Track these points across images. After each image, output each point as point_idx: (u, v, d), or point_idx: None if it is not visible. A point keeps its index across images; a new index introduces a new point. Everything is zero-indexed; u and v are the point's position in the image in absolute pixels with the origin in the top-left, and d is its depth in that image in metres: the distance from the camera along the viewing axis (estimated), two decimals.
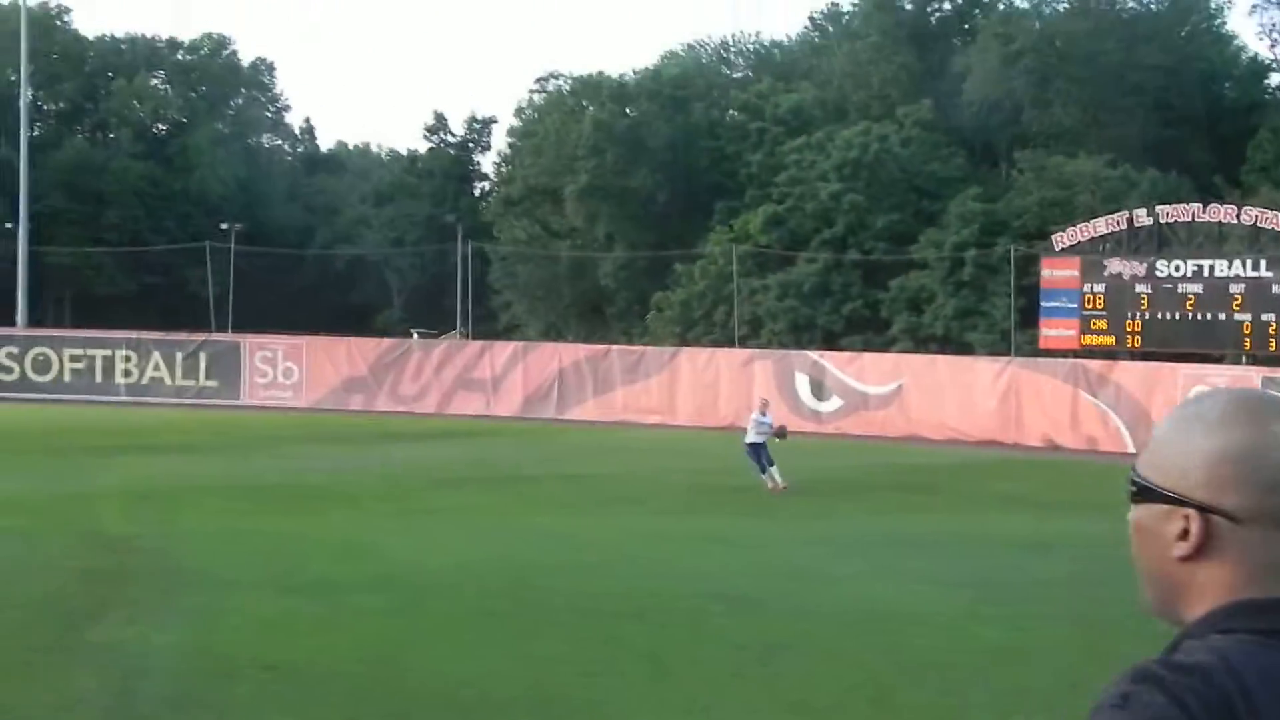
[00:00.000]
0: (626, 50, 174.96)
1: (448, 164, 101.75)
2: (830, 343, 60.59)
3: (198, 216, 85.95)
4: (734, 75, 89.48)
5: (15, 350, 52.34)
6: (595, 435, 41.10)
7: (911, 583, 17.27)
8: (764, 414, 28.00)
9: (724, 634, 14.07)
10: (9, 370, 51.79)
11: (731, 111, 76.55)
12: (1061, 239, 45.86)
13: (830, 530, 22.10)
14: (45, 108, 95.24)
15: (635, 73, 79.64)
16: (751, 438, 27.50)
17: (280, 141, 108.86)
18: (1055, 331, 45.46)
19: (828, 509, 25.09)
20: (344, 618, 14.66)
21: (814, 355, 46.49)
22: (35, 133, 78.78)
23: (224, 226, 75.48)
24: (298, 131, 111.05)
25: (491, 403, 48.15)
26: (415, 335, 64.10)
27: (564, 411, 46.87)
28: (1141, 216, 44.57)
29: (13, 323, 61.52)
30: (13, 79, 79.16)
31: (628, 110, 75.15)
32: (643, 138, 73.23)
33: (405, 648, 13.31)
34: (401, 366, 49.87)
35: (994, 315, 60.50)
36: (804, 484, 28.35)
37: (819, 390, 43.78)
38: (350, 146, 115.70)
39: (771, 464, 26.92)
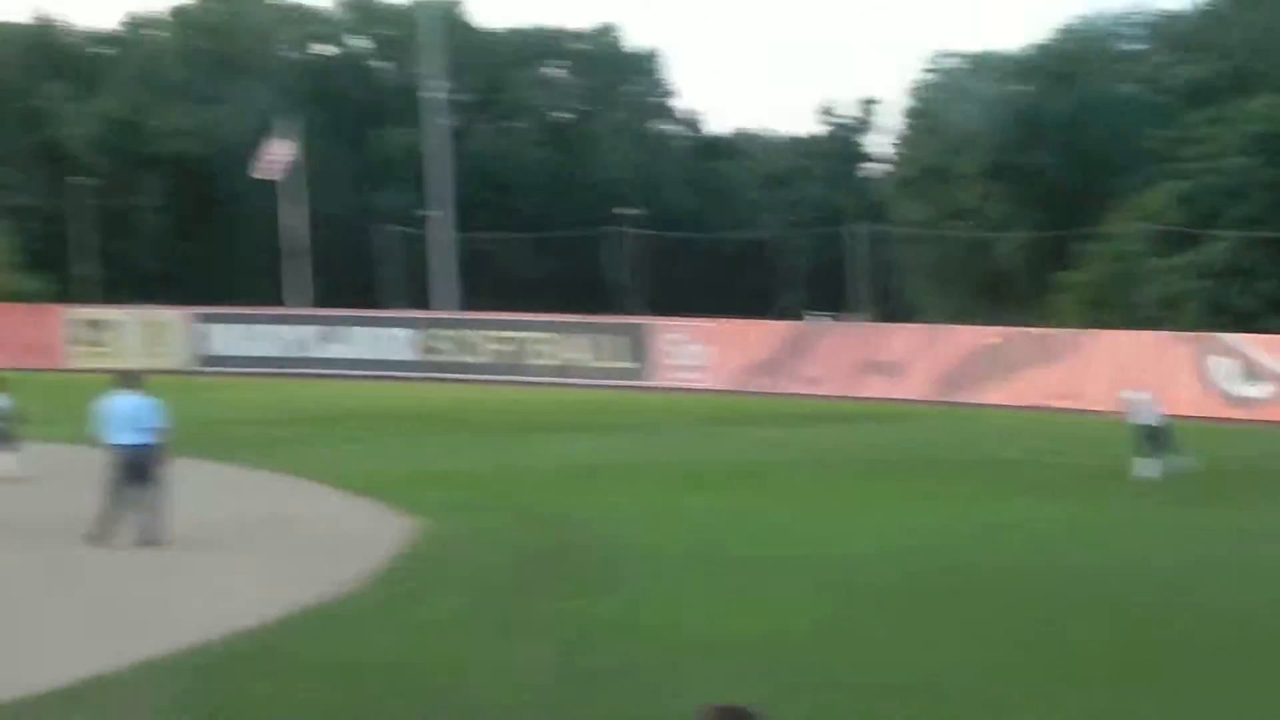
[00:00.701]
0: (1018, 26, 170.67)
1: (839, 146, 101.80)
2: (1247, 324, 57.80)
3: (599, 203, 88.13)
4: (1130, 48, 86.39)
5: (447, 333, 55.12)
6: (1006, 419, 40.25)
7: None
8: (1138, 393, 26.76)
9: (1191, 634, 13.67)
10: (440, 351, 54.52)
11: (1128, 85, 73.95)
12: None
13: (1271, 524, 21.05)
14: (454, 100, 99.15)
15: (1029, 49, 77.73)
16: (1146, 419, 26.05)
17: (674, 128, 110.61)
18: None
19: (1264, 501, 23.84)
20: (771, 597, 14.97)
21: (1237, 338, 44.32)
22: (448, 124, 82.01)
23: (623, 212, 77.25)
24: (690, 118, 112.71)
25: (898, 385, 47.70)
26: (815, 318, 64.28)
27: (972, 395, 45.97)
28: None
29: (439, 306, 64.60)
30: (416, 73, 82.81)
31: (1021, 87, 73.54)
32: (1037, 115, 71.57)
33: (831, 630, 13.50)
34: (806, 349, 49.96)
35: None
36: (1235, 474, 27.22)
37: (1246, 376, 41.67)
38: (742, 132, 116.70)
39: (1173, 451, 25.51)
